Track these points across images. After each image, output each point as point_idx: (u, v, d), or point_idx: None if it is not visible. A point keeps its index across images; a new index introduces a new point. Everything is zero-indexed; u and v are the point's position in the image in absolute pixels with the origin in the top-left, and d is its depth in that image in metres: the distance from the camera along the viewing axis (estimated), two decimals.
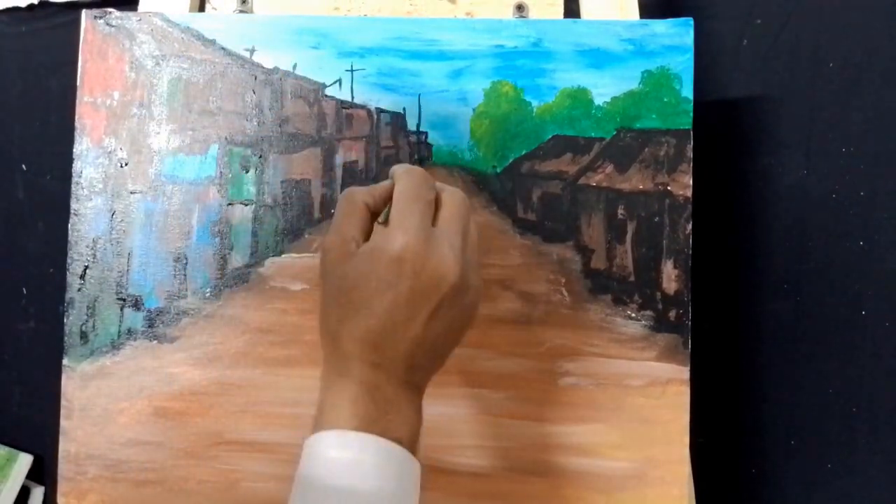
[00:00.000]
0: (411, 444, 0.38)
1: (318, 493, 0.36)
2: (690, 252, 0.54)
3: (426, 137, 0.56)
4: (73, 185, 0.56)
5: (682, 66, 0.54)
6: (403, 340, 0.38)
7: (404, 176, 0.40)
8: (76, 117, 0.56)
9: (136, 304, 0.55)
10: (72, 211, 0.56)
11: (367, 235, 0.40)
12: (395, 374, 0.38)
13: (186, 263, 0.55)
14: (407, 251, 0.37)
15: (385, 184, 0.41)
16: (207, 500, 0.54)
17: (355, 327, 0.38)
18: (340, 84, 0.56)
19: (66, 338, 0.55)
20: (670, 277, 0.54)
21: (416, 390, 0.39)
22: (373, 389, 0.37)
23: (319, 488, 0.36)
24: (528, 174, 0.55)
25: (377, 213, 0.41)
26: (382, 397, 0.37)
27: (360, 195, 0.40)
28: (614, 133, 0.55)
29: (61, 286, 0.55)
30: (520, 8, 0.58)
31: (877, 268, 0.62)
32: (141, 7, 0.60)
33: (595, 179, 0.55)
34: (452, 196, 0.41)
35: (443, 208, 0.40)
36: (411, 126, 0.56)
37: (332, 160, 0.56)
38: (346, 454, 0.36)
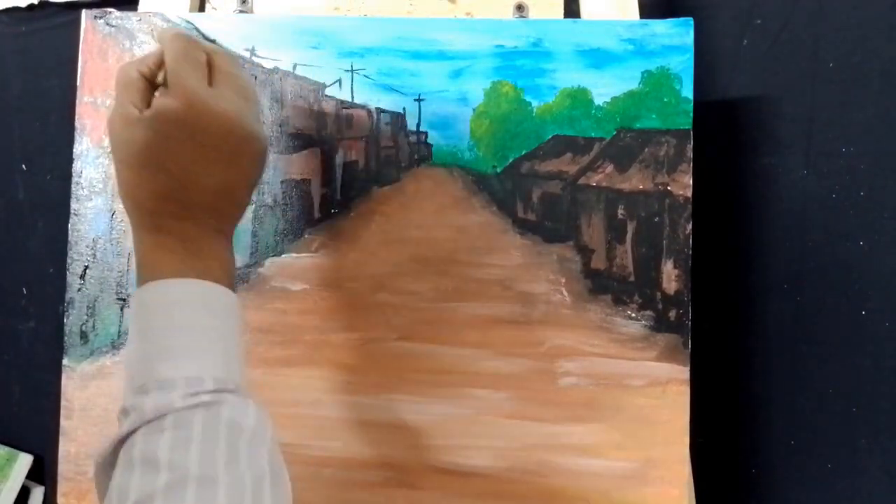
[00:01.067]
0: (228, 282, 0.41)
1: (157, 335, 0.38)
2: (690, 252, 0.54)
3: (426, 137, 0.56)
4: (73, 185, 0.56)
5: (682, 66, 0.54)
6: (204, 192, 0.40)
7: (173, 40, 0.42)
8: (76, 117, 0.56)
9: None
10: (72, 211, 0.56)
11: (148, 103, 0.41)
12: (202, 222, 0.40)
13: None
14: (189, 108, 0.39)
15: (155, 51, 0.43)
16: None
17: (153, 185, 0.40)
18: (340, 84, 0.56)
19: (66, 338, 0.55)
20: (670, 277, 0.54)
21: (223, 235, 0.42)
22: (184, 240, 0.40)
23: (158, 331, 0.38)
24: (528, 174, 0.55)
25: (153, 80, 0.42)
26: (194, 246, 0.40)
27: (133, 66, 0.42)
28: (614, 133, 0.55)
29: (61, 286, 0.55)
30: (520, 8, 0.58)
31: (877, 268, 0.62)
32: (141, 7, 0.60)
33: (595, 179, 0.55)
34: (223, 57, 0.43)
35: (216, 68, 0.42)
36: (411, 126, 0.56)
37: (333, 160, 0.56)
38: (173, 299, 0.39)
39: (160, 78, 0.42)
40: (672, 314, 0.54)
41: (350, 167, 0.56)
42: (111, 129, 0.41)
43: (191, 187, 0.40)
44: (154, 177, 0.40)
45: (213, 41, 0.56)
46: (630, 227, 0.55)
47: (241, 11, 0.59)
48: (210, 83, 0.41)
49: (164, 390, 0.36)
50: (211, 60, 0.42)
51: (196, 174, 0.40)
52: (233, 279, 0.42)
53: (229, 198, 0.42)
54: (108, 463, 0.36)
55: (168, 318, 0.38)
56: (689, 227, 0.54)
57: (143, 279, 0.40)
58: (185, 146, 0.39)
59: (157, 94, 0.41)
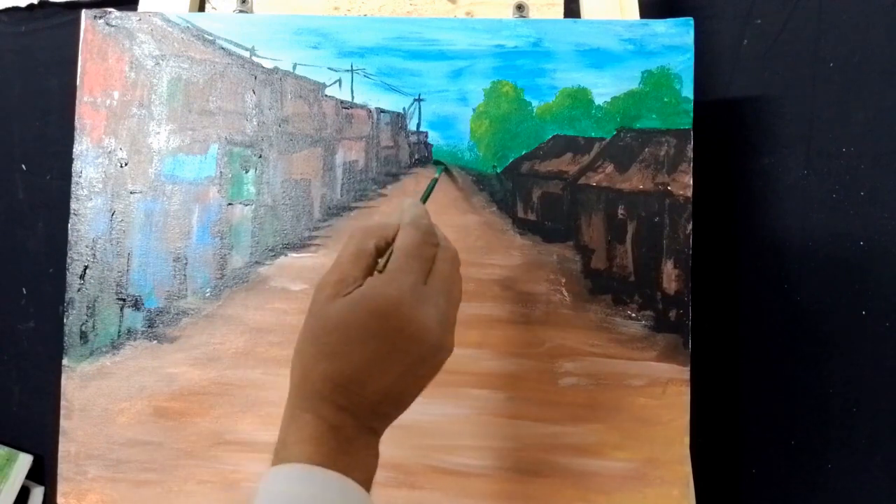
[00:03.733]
0: (367, 484, 0.39)
1: None
2: (690, 252, 0.54)
3: (426, 137, 0.56)
4: (73, 185, 0.56)
5: (683, 65, 0.54)
6: (374, 390, 0.38)
7: (410, 230, 0.40)
8: (76, 117, 0.56)
9: (136, 304, 0.55)
10: (72, 211, 0.56)
11: (363, 278, 0.40)
12: (359, 418, 0.38)
13: (186, 263, 0.55)
14: (396, 308, 0.37)
15: (392, 226, 0.41)
16: (207, 500, 0.54)
17: (329, 369, 0.38)
18: (340, 84, 0.56)
19: (66, 338, 0.55)
20: (670, 277, 0.54)
21: (375, 435, 0.40)
22: (336, 429, 0.38)
23: None
24: (529, 174, 0.55)
25: (381, 254, 0.41)
26: (345, 438, 0.38)
27: (371, 237, 0.40)
28: (614, 133, 0.55)
29: (61, 286, 0.55)
30: (520, 8, 0.58)
31: (877, 268, 0.62)
32: (141, 7, 0.60)
33: (595, 179, 0.55)
34: (446, 254, 0.41)
35: (435, 266, 0.40)
36: (411, 126, 0.56)
37: (333, 160, 0.56)
38: (308, 489, 0.36)
39: (381, 265, 0.40)
40: (672, 314, 0.54)
41: (350, 167, 0.56)
42: (319, 291, 0.39)
43: (367, 383, 0.38)
44: (335, 361, 0.38)
45: (213, 41, 0.56)
46: (630, 227, 0.55)
47: (241, 11, 0.59)
48: (425, 280, 0.39)
49: None
50: (435, 255, 0.41)
51: (378, 372, 0.38)
52: (371, 482, 0.39)
53: (397, 401, 0.40)
54: None
55: None
56: (689, 227, 0.54)
57: (284, 457, 0.37)
58: (378, 341, 0.37)
59: (371, 277, 0.39)
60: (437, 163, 0.55)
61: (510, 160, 0.56)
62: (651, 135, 0.55)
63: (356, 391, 0.38)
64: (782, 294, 0.65)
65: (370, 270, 0.40)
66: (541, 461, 0.53)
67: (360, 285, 0.39)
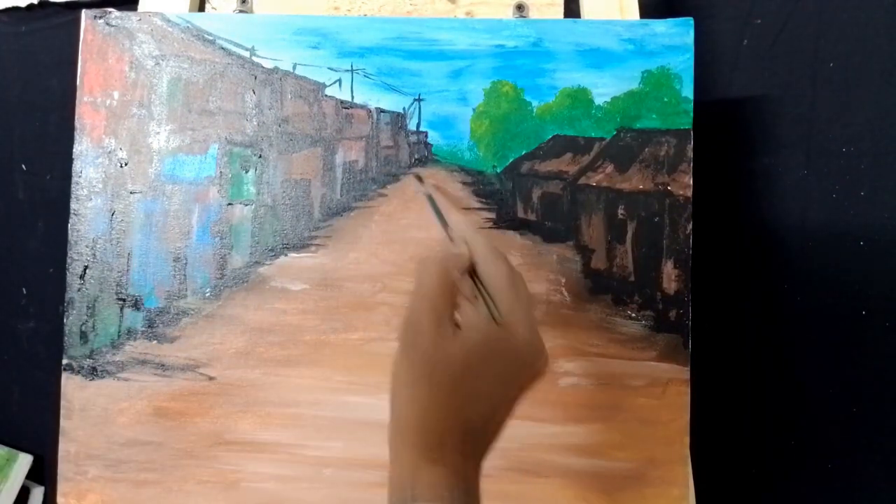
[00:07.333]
0: None
1: None
2: (690, 252, 0.54)
3: (426, 137, 0.56)
4: (73, 185, 0.56)
5: (683, 65, 0.54)
6: (495, 431, 0.38)
7: (501, 263, 0.40)
8: (76, 117, 0.56)
9: (136, 304, 0.55)
10: (72, 211, 0.56)
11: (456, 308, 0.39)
12: (469, 456, 0.37)
13: (186, 263, 0.55)
14: (528, 347, 0.37)
15: (465, 255, 0.41)
16: (207, 500, 0.54)
17: (457, 416, 0.37)
18: (340, 84, 0.56)
19: (66, 338, 0.55)
20: (670, 277, 0.54)
21: (480, 469, 0.39)
22: (465, 479, 0.37)
23: None
24: (529, 174, 0.55)
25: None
26: (473, 485, 0.37)
27: (455, 271, 0.39)
28: (614, 133, 0.55)
29: (61, 286, 0.55)
30: (520, 8, 0.58)
31: (877, 268, 0.62)
32: (141, 7, 0.60)
33: (595, 179, 0.55)
34: (521, 277, 0.41)
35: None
36: (411, 126, 0.56)
37: (333, 160, 0.56)
38: None
39: (497, 316, 0.39)
40: (672, 314, 0.54)
41: (350, 167, 0.56)
42: (419, 330, 0.37)
43: (491, 425, 0.37)
44: (465, 404, 0.37)
45: (213, 41, 0.56)
46: (630, 227, 0.55)
47: (241, 11, 0.59)
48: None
49: None
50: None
51: (502, 413, 0.37)
52: None
53: (498, 425, 0.38)
54: None
55: None
56: (689, 227, 0.54)
57: None
58: (511, 385, 0.37)
59: (483, 315, 0.38)
60: (418, 178, 0.54)
61: (510, 160, 0.56)
62: (651, 135, 0.55)
63: (481, 437, 0.37)
64: (782, 294, 0.65)
65: (455, 302, 0.39)
66: (541, 461, 0.53)
67: (459, 323, 0.37)
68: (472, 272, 0.40)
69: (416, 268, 0.39)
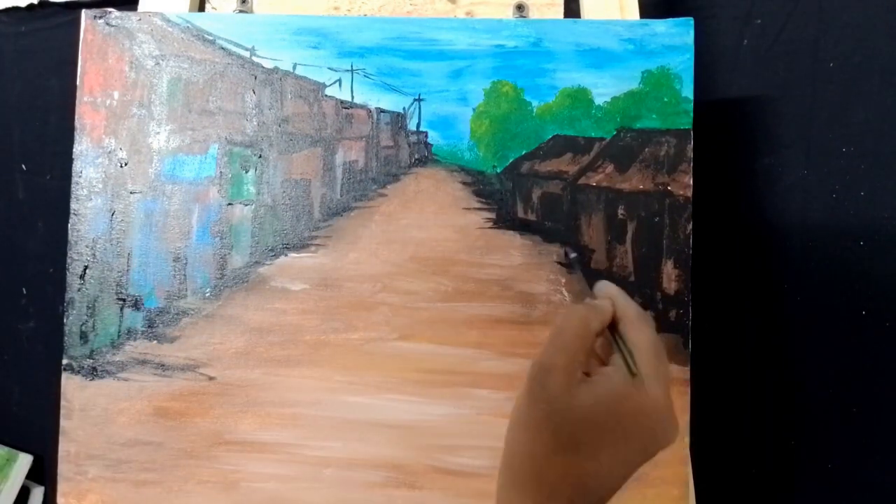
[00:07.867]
0: None
1: None
2: (690, 252, 0.54)
3: (426, 137, 0.56)
4: (73, 185, 0.56)
5: (683, 65, 0.54)
6: (608, 489, 0.36)
7: (644, 325, 0.39)
8: (76, 117, 0.56)
9: (136, 304, 0.55)
10: (72, 211, 0.56)
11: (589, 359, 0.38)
12: None
13: (186, 263, 0.55)
14: (660, 410, 0.36)
15: (608, 309, 0.40)
16: (207, 500, 0.54)
17: (574, 467, 0.36)
18: (340, 84, 0.56)
19: (66, 338, 0.55)
20: (670, 277, 0.54)
21: None
22: None
23: None
24: (529, 174, 0.55)
25: (599, 335, 0.39)
26: None
27: (595, 323, 0.39)
28: (614, 133, 0.55)
29: (61, 286, 0.55)
30: (520, 8, 0.58)
31: (877, 268, 0.62)
32: (141, 7, 0.60)
33: (595, 179, 0.55)
34: (662, 344, 0.40)
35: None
36: (411, 126, 0.56)
37: (333, 160, 0.56)
38: None
39: (633, 368, 0.37)
40: (672, 314, 0.54)
41: (350, 167, 0.56)
42: (549, 376, 0.36)
43: (604, 482, 0.36)
44: (578, 454, 0.35)
45: (213, 41, 0.56)
46: (630, 227, 0.55)
47: (241, 11, 0.59)
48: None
49: None
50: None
51: (618, 473, 0.36)
52: None
53: (611, 491, 0.37)
54: None
55: None
56: (689, 227, 0.54)
57: None
58: (632, 442, 0.36)
59: (617, 368, 0.37)
60: (565, 252, 0.55)
61: (510, 160, 0.56)
62: (651, 135, 0.55)
63: (592, 494, 0.36)
64: (782, 294, 0.65)
65: (591, 351, 0.38)
66: None
67: (589, 374, 0.37)
68: (613, 328, 0.40)
69: (559, 314, 0.39)
